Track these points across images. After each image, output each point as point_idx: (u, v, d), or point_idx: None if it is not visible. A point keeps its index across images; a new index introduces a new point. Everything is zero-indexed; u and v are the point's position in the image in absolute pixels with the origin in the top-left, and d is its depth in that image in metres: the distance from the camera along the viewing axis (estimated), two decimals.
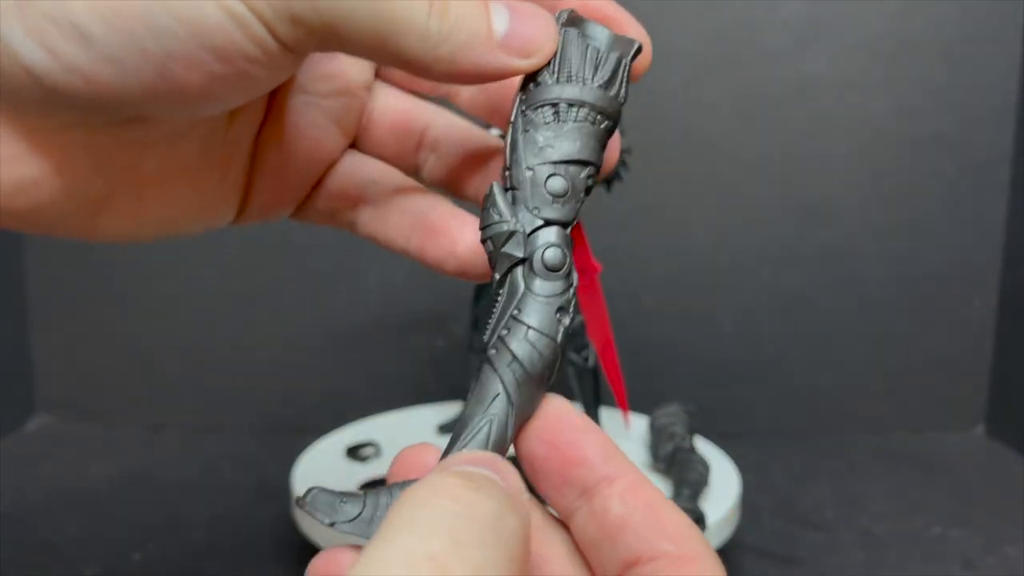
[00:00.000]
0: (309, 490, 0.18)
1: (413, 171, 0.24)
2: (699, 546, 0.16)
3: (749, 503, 0.49)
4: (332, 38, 0.17)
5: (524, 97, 0.20)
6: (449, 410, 0.58)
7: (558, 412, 0.18)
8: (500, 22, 0.18)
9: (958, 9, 0.63)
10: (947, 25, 0.63)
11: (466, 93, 0.23)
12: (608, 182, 0.46)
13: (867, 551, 0.48)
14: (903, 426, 0.67)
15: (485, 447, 0.18)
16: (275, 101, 0.22)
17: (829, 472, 0.59)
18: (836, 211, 0.65)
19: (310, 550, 0.43)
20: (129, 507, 0.53)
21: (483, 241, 0.19)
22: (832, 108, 0.64)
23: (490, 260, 0.19)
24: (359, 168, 0.23)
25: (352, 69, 0.22)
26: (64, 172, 0.18)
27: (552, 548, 0.18)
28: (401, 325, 0.66)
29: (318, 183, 0.23)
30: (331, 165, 0.23)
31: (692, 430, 0.50)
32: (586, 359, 0.50)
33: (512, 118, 0.20)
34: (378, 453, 0.49)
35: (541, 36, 0.18)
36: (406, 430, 0.53)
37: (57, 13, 0.16)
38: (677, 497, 0.43)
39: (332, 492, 0.18)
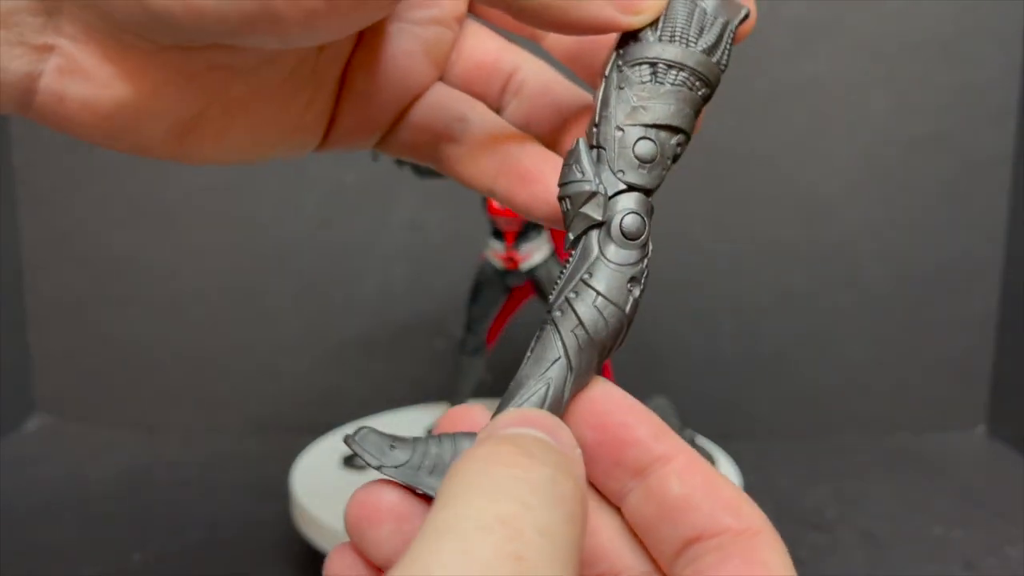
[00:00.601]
0: (359, 428, 0.18)
1: (495, 111, 0.23)
2: (760, 519, 0.16)
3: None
4: None
5: (622, 52, 0.19)
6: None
7: (605, 394, 0.18)
8: None
9: (958, 9, 0.63)
10: (947, 25, 0.63)
11: (553, 36, 0.23)
12: None
13: (868, 551, 0.48)
14: (904, 426, 0.67)
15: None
16: (367, 27, 0.21)
17: (830, 472, 0.59)
18: (836, 211, 0.65)
19: (310, 550, 0.43)
20: (129, 507, 0.53)
21: (560, 199, 0.19)
22: (832, 108, 0.64)
23: (565, 219, 0.19)
24: (448, 103, 0.23)
25: None
26: (155, 94, 0.18)
27: (607, 529, 0.18)
28: (400, 325, 0.66)
29: (404, 113, 0.23)
30: (418, 96, 0.23)
31: (684, 423, 0.51)
32: None
33: (606, 72, 0.19)
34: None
35: None
36: (404, 433, 0.53)
37: None
38: None
39: (382, 434, 0.18)
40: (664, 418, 0.55)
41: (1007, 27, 0.63)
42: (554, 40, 0.23)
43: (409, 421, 0.56)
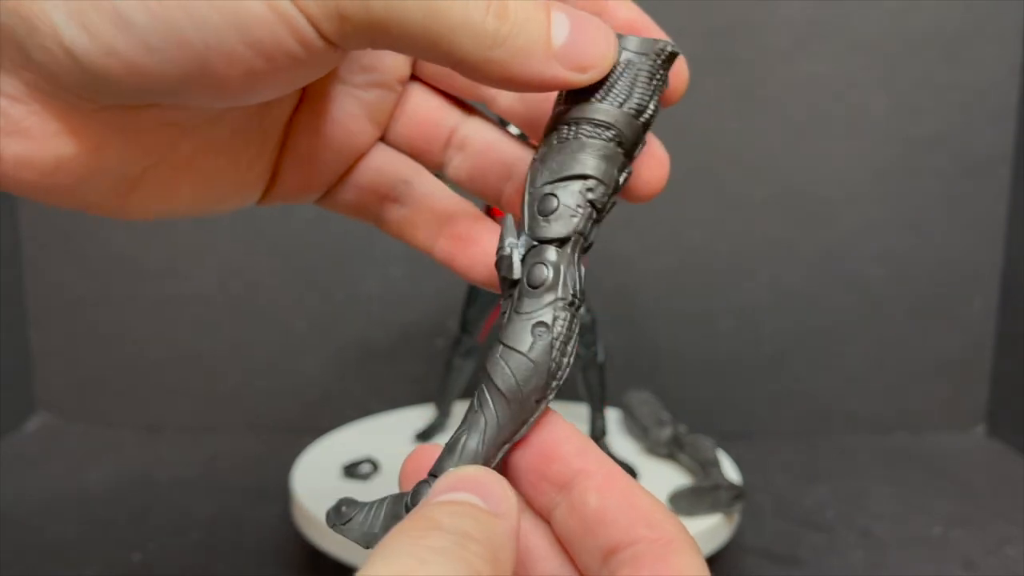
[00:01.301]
0: (339, 503, 0.21)
1: (437, 168, 0.24)
2: (674, 528, 0.17)
3: (750, 503, 0.49)
4: (382, 36, 0.16)
5: (553, 115, 0.20)
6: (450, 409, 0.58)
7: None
8: (560, 31, 0.17)
9: (958, 9, 0.63)
10: (947, 25, 0.63)
11: (504, 100, 0.23)
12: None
13: (867, 551, 0.48)
14: (903, 426, 0.67)
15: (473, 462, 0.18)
16: (310, 88, 0.22)
17: (829, 472, 0.59)
18: (836, 211, 0.65)
19: (309, 550, 0.43)
20: (129, 507, 0.53)
21: (496, 269, 0.20)
22: (832, 108, 0.64)
23: (500, 287, 0.20)
24: (391, 165, 0.23)
25: (389, 62, 0.22)
26: (100, 152, 0.18)
27: (537, 542, 0.19)
28: (400, 325, 0.66)
29: (346, 174, 0.23)
30: (360, 156, 0.23)
31: (677, 419, 0.52)
32: (595, 354, 0.50)
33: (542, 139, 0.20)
34: (376, 470, 0.48)
35: (600, 50, 0.18)
36: (404, 433, 0.53)
37: None
38: (708, 476, 0.45)
39: (353, 502, 0.20)
40: (659, 411, 0.56)
41: (1007, 27, 0.63)
42: (506, 105, 0.23)
43: (409, 421, 0.56)
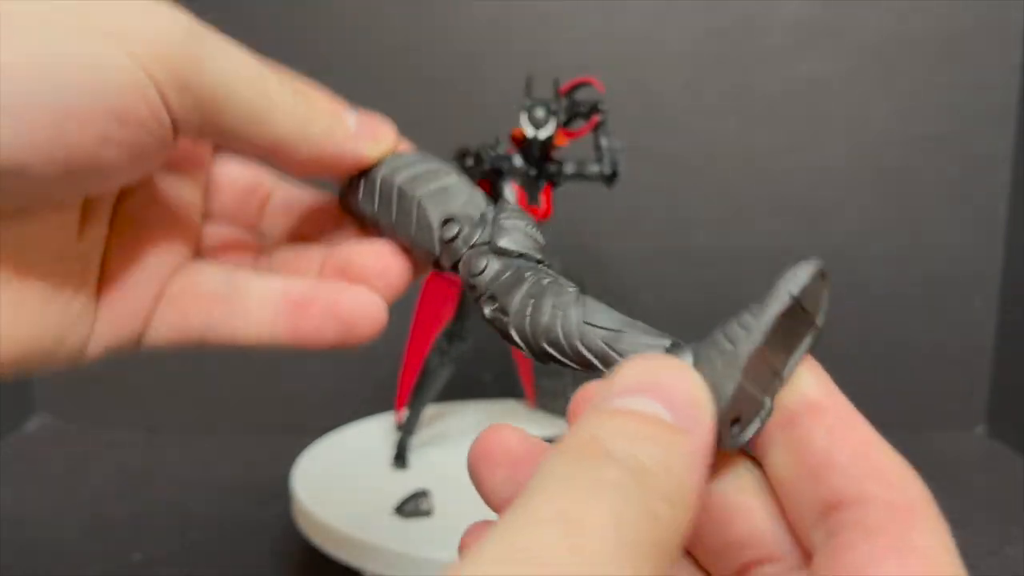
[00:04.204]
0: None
1: (255, 231, 0.24)
2: (915, 492, 0.14)
3: None
4: (216, 115, 0.18)
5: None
6: (448, 410, 0.58)
7: None
8: (350, 119, 0.21)
9: (958, 9, 0.63)
10: (948, 25, 0.63)
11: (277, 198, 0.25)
12: (608, 179, 0.46)
13: None
14: (904, 426, 0.67)
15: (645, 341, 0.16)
16: (118, 209, 0.22)
17: None
18: (836, 211, 0.65)
19: (310, 551, 0.43)
20: (129, 507, 0.53)
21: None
22: (832, 108, 0.64)
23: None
24: (206, 274, 0.23)
25: (187, 195, 0.23)
26: None
27: (744, 486, 0.16)
28: (400, 325, 0.66)
29: (162, 295, 0.22)
30: (175, 272, 0.22)
31: None
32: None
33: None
34: (429, 504, 0.43)
35: (384, 128, 0.22)
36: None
37: None
38: None
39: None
40: None
41: (1007, 27, 0.63)
42: (271, 224, 0.25)
43: None
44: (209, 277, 0.22)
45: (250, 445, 0.62)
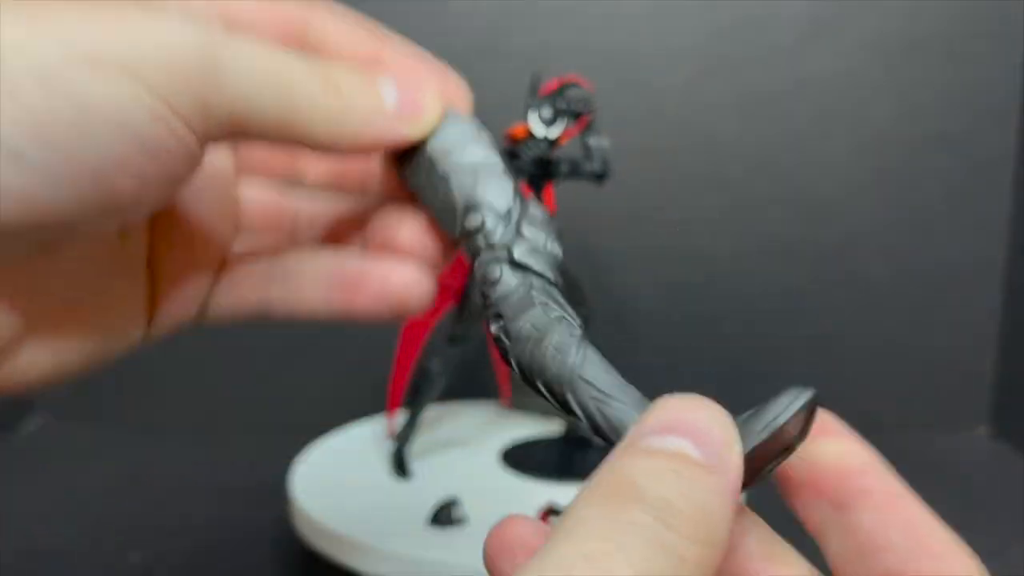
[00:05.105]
0: None
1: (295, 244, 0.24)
2: (964, 565, 0.15)
3: (749, 503, 0.49)
4: (242, 127, 0.18)
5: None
6: (447, 410, 0.58)
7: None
8: (389, 94, 0.20)
9: (960, 8, 0.62)
10: (949, 24, 0.63)
11: (314, 172, 0.24)
12: (599, 177, 0.46)
13: None
14: (905, 426, 0.67)
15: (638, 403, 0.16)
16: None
17: None
18: (838, 211, 0.65)
19: (308, 551, 0.43)
20: (129, 507, 0.53)
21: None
22: (833, 107, 0.64)
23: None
24: (255, 252, 0.23)
25: (215, 157, 0.22)
26: None
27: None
28: (401, 325, 0.66)
29: (218, 279, 0.23)
30: (225, 259, 0.23)
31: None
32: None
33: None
34: (462, 512, 0.42)
35: (428, 100, 0.20)
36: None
37: None
38: None
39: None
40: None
41: (1008, 27, 0.63)
42: (314, 175, 0.24)
43: None
44: (259, 255, 0.23)
45: (249, 446, 0.62)
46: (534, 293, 0.19)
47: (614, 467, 0.14)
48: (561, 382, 0.17)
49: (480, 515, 0.42)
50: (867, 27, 0.63)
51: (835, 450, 0.17)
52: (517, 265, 0.19)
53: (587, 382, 0.17)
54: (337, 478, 0.47)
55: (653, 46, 0.63)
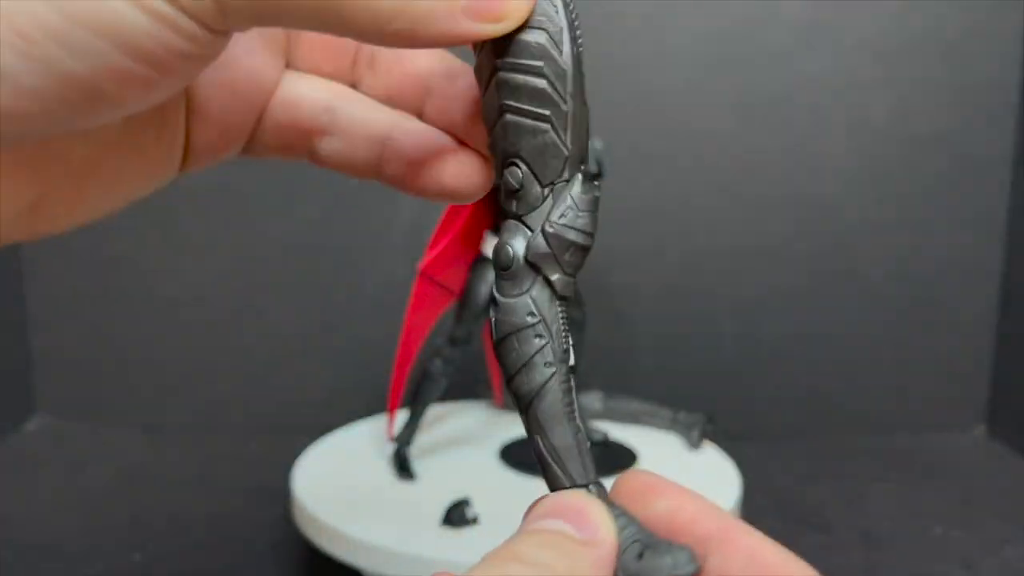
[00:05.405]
0: None
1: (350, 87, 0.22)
2: None
3: (750, 503, 0.49)
4: (269, 20, 0.15)
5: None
6: (447, 409, 0.58)
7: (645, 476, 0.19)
8: None
9: (958, 9, 0.63)
10: (947, 24, 0.63)
11: (368, 82, 0.21)
12: (594, 178, 0.46)
13: (867, 551, 0.48)
14: (904, 426, 0.67)
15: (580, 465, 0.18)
16: None
17: (830, 473, 0.59)
18: (837, 211, 0.65)
19: (308, 551, 0.43)
20: (129, 507, 0.53)
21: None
22: (832, 107, 0.64)
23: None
24: (306, 95, 0.21)
25: None
26: None
27: None
28: (401, 325, 0.66)
29: (261, 116, 0.21)
30: (270, 93, 0.21)
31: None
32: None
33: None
34: (474, 512, 0.42)
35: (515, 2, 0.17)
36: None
37: None
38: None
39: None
40: (623, 405, 0.56)
41: (1007, 27, 0.63)
42: (368, 86, 0.21)
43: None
44: (308, 98, 0.21)
45: (250, 446, 0.63)
46: (536, 310, 0.18)
47: (503, 546, 0.15)
48: (532, 419, 0.18)
49: (490, 514, 0.42)
50: (865, 28, 0.63)
51: (664, 506, 0.17)
52: (535, 268, 0.18)
53: (548, 436, 0.18)
54: (339, 478, 0.47)
55: (653, 48, 0.63)
